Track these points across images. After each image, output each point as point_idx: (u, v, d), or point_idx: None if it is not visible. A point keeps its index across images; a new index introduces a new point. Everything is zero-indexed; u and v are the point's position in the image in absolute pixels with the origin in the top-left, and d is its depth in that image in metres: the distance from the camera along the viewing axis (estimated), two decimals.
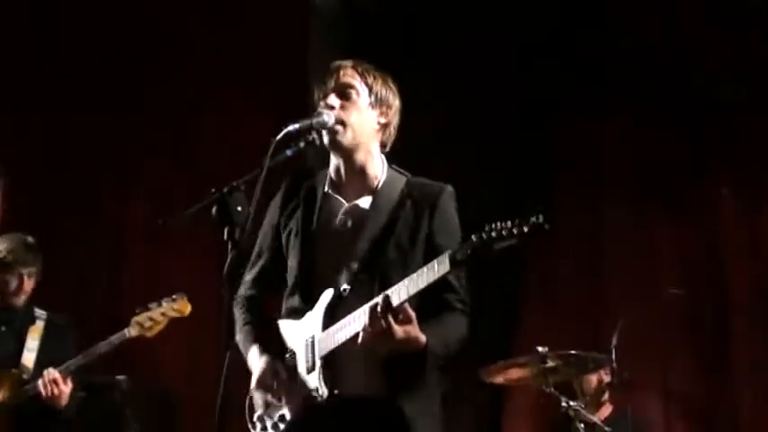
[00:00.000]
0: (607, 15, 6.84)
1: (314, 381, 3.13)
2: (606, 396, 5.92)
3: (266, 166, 2.95)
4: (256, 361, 3.26)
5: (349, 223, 3.27)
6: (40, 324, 5.36)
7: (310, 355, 3.17)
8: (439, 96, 6.34)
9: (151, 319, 5.17)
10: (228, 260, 2.84)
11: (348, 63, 3.33)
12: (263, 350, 3.28)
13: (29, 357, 5.24)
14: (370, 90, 3.29)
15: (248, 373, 3.33)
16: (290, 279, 3.31)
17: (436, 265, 2.89)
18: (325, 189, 3.33)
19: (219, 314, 2.91)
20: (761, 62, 6.48)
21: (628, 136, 6.84)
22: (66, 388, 5.06)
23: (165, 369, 6.74)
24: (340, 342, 3.09)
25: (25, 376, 5.18)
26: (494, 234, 2.76)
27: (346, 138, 3.24)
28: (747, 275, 6.49)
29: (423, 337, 3.01)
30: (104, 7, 7.09)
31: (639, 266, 6.65)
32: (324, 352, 3.14)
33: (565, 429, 5.43)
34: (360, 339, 3.00)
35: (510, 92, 6.70)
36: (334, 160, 3.34)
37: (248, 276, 3.42)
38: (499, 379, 5.44)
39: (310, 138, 3.16)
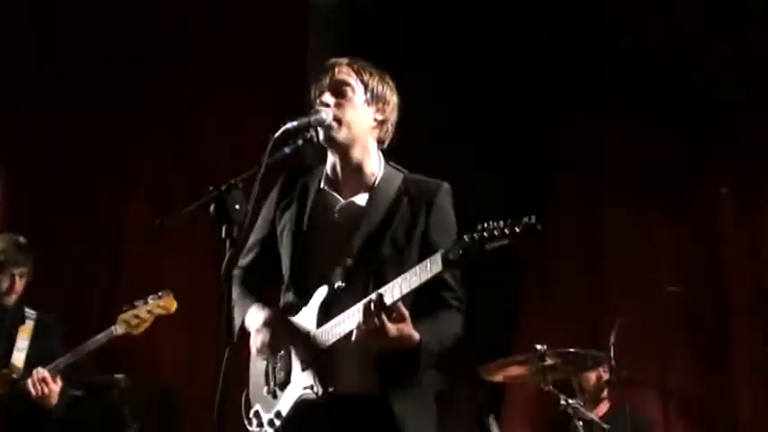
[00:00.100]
0: (607, 15, 6.84)
1: (309, 378, 3.13)
2: (605, 394, 5.93)
3: (264, 163, 2.95)
4: (257, 312, 3.25)
5: (345, 220, 3.27)
6: (29, 324, 5.37)
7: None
8: (439, 96, 6.34)
9: (137, 316, 5.17)
10: (227, 258, 2.83)
11: (344, 61, 3.34)
12: (265, 306, 3.27)
13: (19, 357, 5.25)
14: (366, 87, 3.29)
15: (247, 372, 3.33)
16: (285, 275, 3.31)
17: (429, 265, 2.89)
18: (321, 185, 3.34)
19: (218, 312, 2.90)
20: (761, 62, 6.48)
21: (628, 136, 6.84)
22: (56, 387, 5.06)
23: (164, 368, 6.74)
24: (334, 339, 3.10)
25: (15, 376, 5.18)
26: (486, 234, 2.77)
27: (342, 134, 3.24)
28: (747, 275, 6.49)
29: (416, 335, 3.02)
30: (104, 7, 7.10)
31: (639, 266, 6.66)
32: (318, 349, 3.14)
33: (563, 427, 5.44)
34: (353, 337, 3.01)
35: (510, 92, 6.70)
36: (331, 157, 3.34)
37: (242, 263, 3.41)
38: (498, 377, 5.44)
39: (308, 135, 3.16)
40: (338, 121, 3.23)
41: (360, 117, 3.28)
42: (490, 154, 6.62)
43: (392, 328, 2.96)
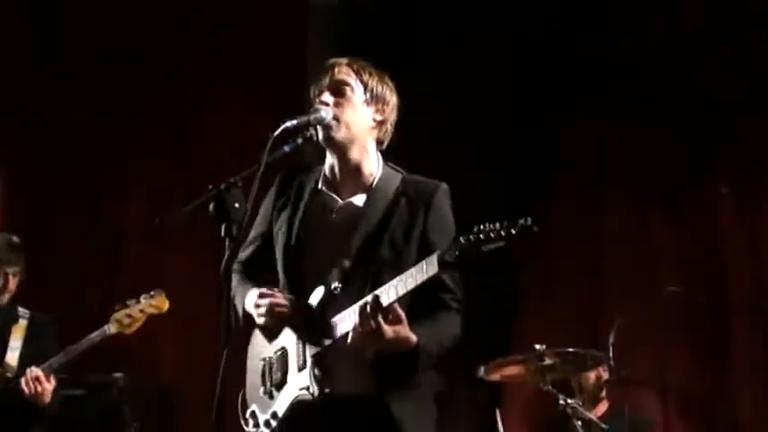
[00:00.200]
0: (607, 15, 6.83)
1: (305, 379, 3.12)
2: (603, 393, 5.93)
3: (264, 161, 2.95)
4: (255, 292, 3.23)
5: (342, 221, 3.26)
6: (23, 323, 5.38)
7: (301, 352, 3.16)
8: (439, 96, 6.34)
9: (129, 315, 5.19)
10: (226, 257, 2.84)
11: (343, 60, 3.33)
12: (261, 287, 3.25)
13: (12, 356, 5.26)
14: (366, 87, 3.29)
15: (245, 372, 3.33)
16: (280, 275, 3.31)
17: (425, 266, 2.89)
18: (319, 186, 3.33)
19: (218, 311, 2.89)
20: (761, 62, 6.48)
21: (628, 136, 6.84)
22: (49, 385, 5.08)
23: (163, 367, 6.74)
24: (328, 342, 3.09)
25: (9, 375, 5.19)
26: (482, 236, 2.76)
27: (340, 134, 3.24)
28: (747, 275, 6.49)
29: (413, 338, 3.01)
30: (104, 7, 7.10)
31: (639, 266, 6.65)
32: (314, 350, 3.13)
33: (562, 427, 5.44)
34: (349, 339, 3.00)
35: (510, 92, 6.70)
36: (330, 158, 3.34)
37: (241, 257, 3.40)
38: (496, 376, 5.44)
39: (308, 134, 3.16)
40: (337, 120, 3.23)
41: (359, 117, 3.27)
42: (490, 154, 6.61)
43: (388, 330, 2.95)
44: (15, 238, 5.47)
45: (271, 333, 3.27)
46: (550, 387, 5.20)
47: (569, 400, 5.30)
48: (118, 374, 5.76)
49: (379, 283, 3.02)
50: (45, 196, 7.08)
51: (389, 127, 3.36)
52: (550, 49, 6.73)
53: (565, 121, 6.96)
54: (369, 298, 2.96)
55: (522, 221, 2.73)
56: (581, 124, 6.95)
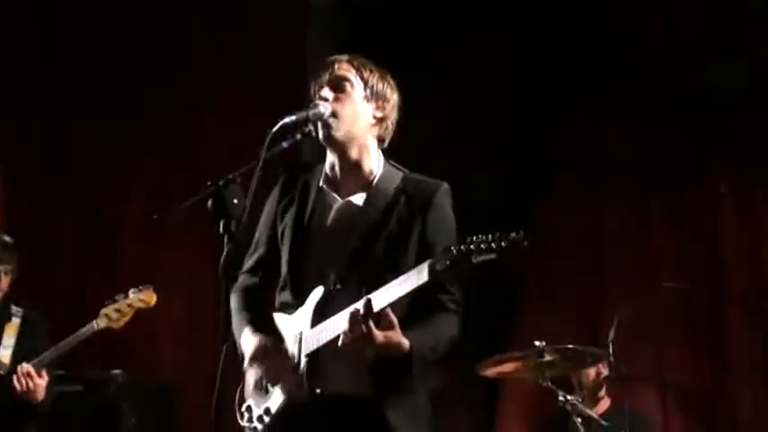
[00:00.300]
0: (607, 15, 6.83)
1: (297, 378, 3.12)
2: (603, 391, 5.92)
3: (262, 157, 2.94)
4: (250, 339, 3.24)
5: (342, 220, 3.25)
6: (16, 321, 5.38)
7: (296, 351, 3.15)
8: (439, 96, 6.33)
9: (118, 310, 5.20)
10: (225, 253, 2.83)
11: (344, 57, 3.33)
12: (256, 330, 3.26)
13: (5, 354, 5.27)
14: (366, 83, 3.28)
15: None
16: (282, 273, 3.30)
17: (416, 274, 2.88)
18: (320, 184, 3.32)
19: (216, 308, 2.89)
20: (761, 62, 6.47)
21: (628, 136, 6.83)
22: (41, 381, 5.08)
23: (162, 363, 6.75)
24: (323, 342, 3.08)
25: (1, 372, 5.18)
26: (473, 247, 2.75)
27: (340, 131, 3.23)
28: (747, 275, 6.48)
29: (406, 343, 2.99)
30: (104, 7, 7.11)
31: (639, 266, 6.64)
32: (308, 350, 3.12)
33: (562, 423, 5.43)
34: (340, 342, 2.99)
35: (510, 92, 6.69)
36: (330, 156, 3.33)
37: (246, 266, 3.42)
38: (495, 372, 5.43)
39: (307, 130, 3.15)
40: (336, 116, 3.22)
41: (358, 113, 3.26)
42: (490, 154, 6.60)
43: (379, 335, 2.94)
44: (7, 238, 5.48)
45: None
46: (550, 383, 5.20)
47: (569, 397, 5.30)
48: (116, 371, 5.78)
49: (378, 282, 2.99)
50: (45, 196, 7.09)
51: (390, 124, 3.34)
52: (550, 49, 6.72)
53: (565, 121, 6.96)
54: (360, 303, 2.94)
55: (513, 235, 2.71)
56: (581, 124, 6.95)
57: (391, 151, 3.40)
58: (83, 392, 5.71)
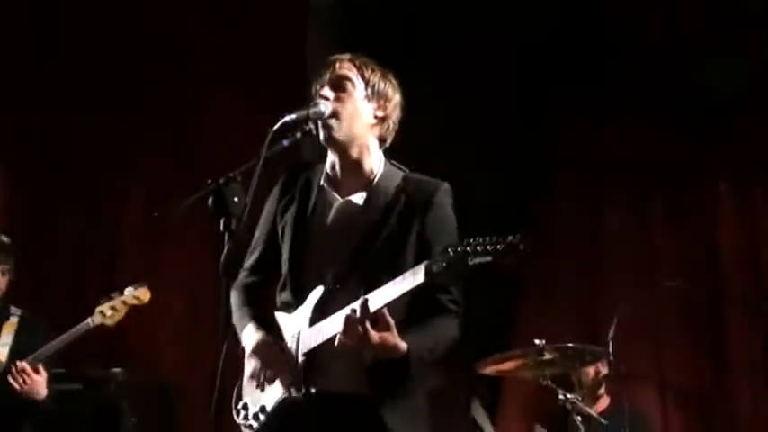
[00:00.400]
0: (607, 15, 6.83)
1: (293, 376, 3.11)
2: (602, 389, 5.93)
3: (263, 156, 2.94)
4: (252, 335, 3.24)
5: (342, 219, 3.25)
6: (14, 320, 5.40)
7: (294, 350, 3.15)
8: (439, 96, 6.32)
9: (113, 307, 5.24)
10: (225, 251, 2.83)
11: (345, 56, 3.32)
12: (259, 327, 3.25)
13: (2, 352, 5.28)
14: (367, 83, 3.27)
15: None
16: (283, 272, 3.30)
17: (412, 275, 2.88)
18: (321, 183, 3.32)
19: (217, 307, 2.89)
20: (761, 62, 6.47)
21: (628, 136, 6.83)
22: (39, 377, 5.10)
23: (162, 361, 6.74)
24: (321, 341, 3.08)
25: None
26: (469, 249, 2.74)
27: (341, 132, 3.22)
28: (747, 275, 6.48)
29: (402, 345, 2.99)
30: (104, 7, 7.11)
31: (639, 266, 6.65)
32: (306, 349, 3.12)
33: (562, 422, 5.43)
34: (336, 342, 2.99)
35: (510, 92, 6.69)
36: (331, 155, 3.33)
37: (247, 264, 3.42)
38: (496, 371, 5.43)
39: (307, 128, 3.14)
40: (337, 115, 3.21)
41: (359, 112, 3.25)
42: (490, 154, 6.60)
43: (375, 335, 2.93)
44: (4, 238, 5.49)
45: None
46: (550, 382, 5.20)
47: (569, 395, 5.30)
48: (116, 369, 5.78)
49: (376, 282, 2.99)
50: (45, 196, 7.08)
51: (392, 124, 3.33)
52: (550, 49, 6.72)
53: (565, 121, 6.96)
54: (357, 303, 2.94)
55: (510, 238, 2.71)
56: (581, 124, 6.96)
57: (391, 151, 3.40)
58: (83, 391, 5.72)
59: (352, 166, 3.29)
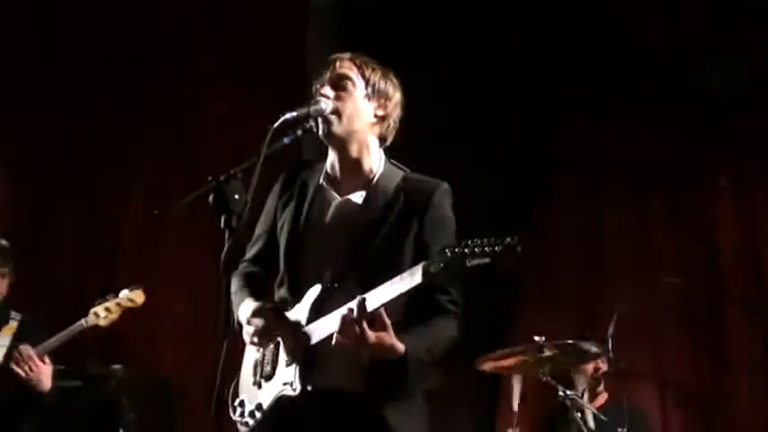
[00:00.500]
0: (607, 15, 6.83)
1: (290, 374, 3.11)
2: (602, 386, 5.93)
3: (263, 153, 2.94)
4: (251, 304, 3.22)
5: (340, 218, 3.25)
6: (13, 324, 5.40)
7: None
8: (439, 96, 6.32)
9: (107, 309, 5.26)
10: (225, 248, 2.83)
11: (346, 55, 3.33)
12: (258, 298, 3.25)
13: None
14: (367, 82, 3.28)
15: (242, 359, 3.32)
16: (280, 270, 3.30)
17: (409, 275, 2.87)
18: (320, 182, 3.32)
19: (217, 305, 2.89)
20: (761, 62, 6.47)
21: (628, 136, 6.83)
22: (46, 367, 5.11)
23: (162, 358, 6.73)
24: (317, 340, 3.08)
25: None
26: (467, 250, 2.73)
27: (340, 128, 3.23)
28: (747, 275, 6.48)
29: (399, 346, 2.98)
30: (104, 7, 7.11)
31: (639, 266, 6.64)
32: (304, 345, 3.11)
33: (561, 418, 5.43)
34: (333, 341, 2.99)
35: (510, 92, 6.69)
36: (331, 153, 3.33)
37: (247, 255, 3.42)
38: (495, 368, 5.43)
39: (308, 126, 3.15)
40: (337, 113, 3.22)
41: (359, 111, 3.26)
42: (490, 154, 6.60)
43: (371, 335, 2.93)
44: (3, 241, 5.49)
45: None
46: (549, 378, 5.20)
47: (568, 392, 5.30)
48: (116, 366, 5.79)
49: (374, 281, 2.98)
50: (45, 196, 7.08)
51: (392, 123, 3.34)
52: (550, 49, 6.72)
53: (565, 121, 6.96)
54: (353, 303, 2.93)
55: (508, 240, 2.70)
56: (581, 124, 6.96)
57: (391, 150, 3.40)
58: (83, 387, 5.72)
59: (352, 165, 3.29)
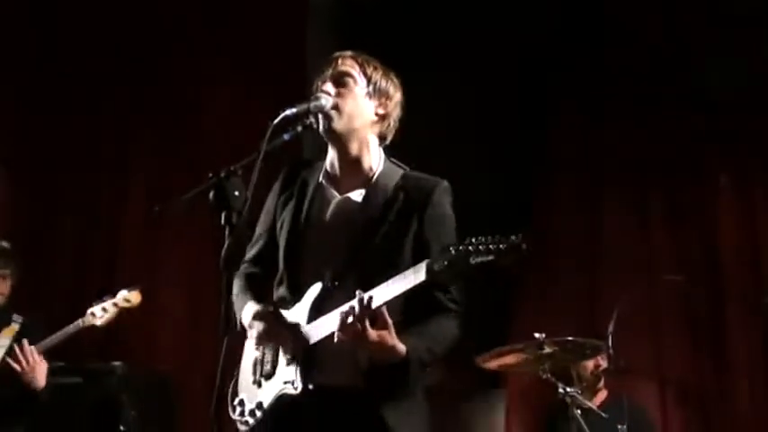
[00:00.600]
0: (607, 15, 6.84)
1: (290, 373, 3.11)
2: (602, 383, 5.93)
3: (263, 149, 2.94)
4: (253, 307, 3.23)
5: (340, 216, 3.25)
6: (14, 326, 5.42)
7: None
8: (439, 96, 6.33)
9: (103, 309, 5.27)
10: (226, 245, 2.82)
11: (348, 53, 3.33)
12: (260, 301, 3.25)
13: None
14: (369, 80, 3.28)
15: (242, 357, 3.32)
16: (280, 269, 3.30)
17: (413, 273, 2.87)
18: (320, 180, 3.32)
19: (217, 303, 2.88)
20: (761, 62, 6.48)
21: (628, 136, 6.83)
22: (41, 365, 5.13)
23: (163, 355, 6.72)
24: (317, 339, 3.08)
25: None
26: (471, 248, 2.74)
27: (340, 124, 3.22)
28: (747, 275, 6.48)
29: (401, 347, 2.98)
30: (104, 7, 7.10)
31: (639, 266, 6.64)
32: (305, 345, 3.11)
33: (562, 415, 5.43)
34: (335, 339, 2.98)
35: (510, 92, 6.70)
36: (331, 151, 3.33)
37: (248, 256, 3.42)
38: (496, 366, 5.43)
39: (308, 122, 3.15)
40: (337, 109, 3.21)
41: (360, 109, 3.26)
42: (490, 154, 6.61)
43: (373, 334, 2.92)
44: (5, 243, 5.49)
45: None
46: (549, 375, 5.20)
47: (568, 389, 5.30)
48: (117, 363, 5.80)
49: (373, 280, 2.97)
50: (45, 196, 7.07)
51: (392, 122, 3.34)
52: (550, 49, 6.73)
53: (565, 122, 6.97)
54: (356, 300, 2.93)
55: (513, 238, 2.70)
56: (581, 124, 6.95)
57: (392, 150, 3.40)
58: (83, 384, 5.72)
59: (352, 163, 3.29)
